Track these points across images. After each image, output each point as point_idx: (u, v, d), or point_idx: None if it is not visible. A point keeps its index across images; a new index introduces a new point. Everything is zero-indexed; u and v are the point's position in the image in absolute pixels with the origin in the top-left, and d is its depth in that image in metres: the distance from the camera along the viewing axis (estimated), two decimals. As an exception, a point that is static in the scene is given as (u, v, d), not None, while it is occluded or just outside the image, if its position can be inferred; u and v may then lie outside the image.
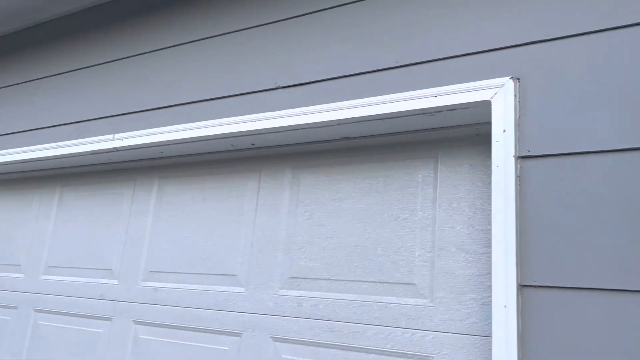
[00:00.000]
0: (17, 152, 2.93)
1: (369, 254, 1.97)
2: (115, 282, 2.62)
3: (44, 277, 2.92)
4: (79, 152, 2.69)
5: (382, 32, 1.97)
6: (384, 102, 1.86)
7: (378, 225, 1.98)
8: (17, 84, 3.08)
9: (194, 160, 2.54)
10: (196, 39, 2.45)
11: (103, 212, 2.81)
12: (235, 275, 2.25)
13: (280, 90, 2.15)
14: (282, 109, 2.10)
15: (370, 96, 1.90)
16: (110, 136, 2.57)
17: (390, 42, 1.94)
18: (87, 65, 2.80)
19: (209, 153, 2.46)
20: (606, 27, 1.58)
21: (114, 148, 2.56)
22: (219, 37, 2.39)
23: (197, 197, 2.50)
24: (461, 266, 1.79)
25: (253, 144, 2.28)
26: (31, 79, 3.03)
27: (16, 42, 3.20)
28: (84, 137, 2.69)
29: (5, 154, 2.99)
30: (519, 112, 1.63)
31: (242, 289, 2.22)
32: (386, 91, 1.88)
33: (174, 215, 2.54)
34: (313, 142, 2.19)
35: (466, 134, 1.89)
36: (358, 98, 1.94)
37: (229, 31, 2.36)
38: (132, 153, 2.59)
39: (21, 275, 3.03)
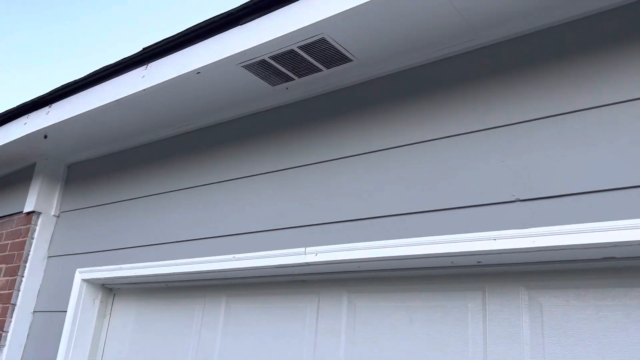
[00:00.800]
0: (188, 264, 2.80)
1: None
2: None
3: (215, 398, 2.71)
4: (261, 266, 2.51)
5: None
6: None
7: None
8: (193, 187, 2.99)
9: (394, 275, 2.30)
10: (401, 144, 2.26)
11: (280, 329, 2.59)
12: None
13: (518, 203, 1.89)
14: (525, 227, 1.84)
15: (654, 214, 1.62)
16: (301, 249, 2.38)
17: None
18: (270, 170, 2.66)
19: (415, 269, 2.21)
20: None
21: (305, 263, 2.36)
22: (426, 143, 2.19)
23: (402, 316, 2.23)
24: None
25: (479, 262, 2.02)
26: (207, 182, 2.93)
27: (193, 142, 3.16)
28: (267, 250, 2.52)
29: (175, 265, 2.86)
30: None
31: None
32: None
33: (373, 337, 2.28)
34: (552, 261, 1.90)
35: None
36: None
37: (439, 137, 2.16)
38: (323, 267, 2.38)
39: (188, 395, 2.83)
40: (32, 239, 3.70)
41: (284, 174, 2.60)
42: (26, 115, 3.40)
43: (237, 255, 2.61)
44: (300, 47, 2.33)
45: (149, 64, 2.71)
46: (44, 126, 3.27)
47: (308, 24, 2.16)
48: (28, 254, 3.65)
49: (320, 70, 2.49)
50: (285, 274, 2.56)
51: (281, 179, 2.60)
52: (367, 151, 2.35)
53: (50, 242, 3.76)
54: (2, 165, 4.01)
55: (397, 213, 2.18)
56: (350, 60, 2.40)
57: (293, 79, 2.59)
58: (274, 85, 2.66)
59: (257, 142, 2.78)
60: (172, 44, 2.60)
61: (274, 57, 2.41)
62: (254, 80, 2.62)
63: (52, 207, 3.81)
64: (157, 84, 2.64)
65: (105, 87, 2.88)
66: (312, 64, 2.44)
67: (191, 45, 2.53)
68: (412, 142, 2.23)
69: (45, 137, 3.47)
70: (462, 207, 2.02)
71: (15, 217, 3.86)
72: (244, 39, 2.35)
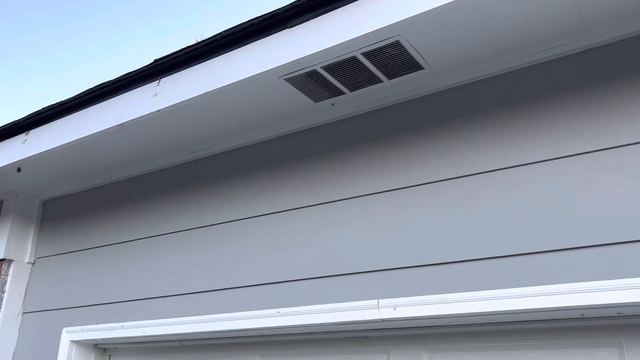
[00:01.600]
0: (215, 321, 2.29)
1: None
2: None
3: None
4: (317, 324, 2.04)
5: None
6: None
7: None
8: (213, 224, 2.49)
9: (494, 329, 1.87)
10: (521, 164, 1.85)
11: (337, 395, 2.12)
12: None
13: None
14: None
15: None
16: (372, 302, 1.92)
17: None
18: (325, 201, 2.19)
19: (528, 322, 1.79)
20: None
21: (378, 319, 1.90)
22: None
23: (508, 382, 1.81)
24: None
25: (619, 313, 1.62)
26: (234, 218, 2.42)
27: (209, 169, 2.65)
28: (321, 302, 2.05)
29: (197, 323, 2.34)
30: None
31: None
32: None
33: (470, 407, 1.84)
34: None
35: None
36: None
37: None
38: (399, 323, 1.93)
39: None
40: (3, 292, 3.08)
41: (345, 205, 2.13)
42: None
43: (282, 310, 2.12)
44: (365, 54, 1.90)
45: (162, 79, 2.21)
46: (19, 159, 2.70)
47: (383, 25, 1.74)
48: (-1, 311, 3.04)
49: (380, 81, 2.06)
50: (344, 330, 2.09)
51: (339, 211, 2.14)
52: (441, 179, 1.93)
53: (24, 295, 3.14)
54: (-39, 204, 3.38)
55: (499, 255, 1.77)
56: (422, 68, 1.98)
57: (343, 93, 2.15)
58: (317, 101, 2.21)
59: (305, 166, 2.31)
60: (193, 53, 2.12)
61: (327, 67, 1.97)
62: (294, 96, 2.17)
63: (26, 253, 3.20)
64: (175, 104, 2.15)
65: (104, 108, 2.36)
66: (372, 73, 2.01)
67: (222, 55, 2.06)
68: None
69: (19, 170, 2.89)
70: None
71: (-20, 266, 3.23)
72: (294, 45, 1.90)
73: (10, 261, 3.13)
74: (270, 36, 1.95)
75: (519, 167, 1.81)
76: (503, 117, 1.90)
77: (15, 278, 3.12)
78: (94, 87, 2.38)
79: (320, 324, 2.03)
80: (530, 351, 1.79)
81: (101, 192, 3.04)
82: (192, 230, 2.57)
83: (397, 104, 2.14)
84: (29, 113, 2.60)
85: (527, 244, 1.72)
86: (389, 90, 2.12)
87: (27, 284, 3.17)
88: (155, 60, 2.21)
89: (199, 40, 2.12)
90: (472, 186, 1.88)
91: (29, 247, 3.21)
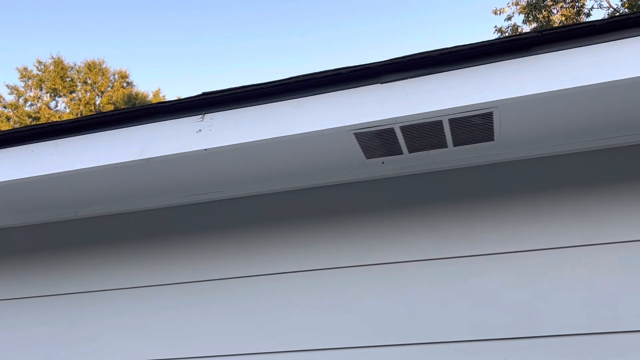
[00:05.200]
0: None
1: None
2: None
3: None
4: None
5: None
6: None
7: None
8: (232, 277, 2.21)
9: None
10: None
11: None
12: None
13: None
14: None
15: None
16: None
17: None
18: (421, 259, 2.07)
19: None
20: None
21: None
22: None
23: None
24: None
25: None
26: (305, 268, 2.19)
27: (248, 209, 2.37)
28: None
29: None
30: None
31: None
32: None
33: None
34: None
35: None
36: None
37: None
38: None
39: None
40: None
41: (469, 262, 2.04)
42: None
43: (324, 380, 1.95)
44: (451, 120, 1.87)
45: (208, 115, 1.97)
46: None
47: (487, 100, 1.73)
48: None
49: (445, 146, 2.04)
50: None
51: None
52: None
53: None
54: None
55: None
56: (492, 140, 2.01)
57: (401, 153, 2.09)
58: (369, 157, 2.12)
59: (341, 222, 2.17)
60: (255, 92, 1.92)
61: (406, 127, 1.91)
62: (350, 149, 2.06)
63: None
64: (227, 145, 1.92)
65: (124, 135, 2.02)
66: (444, 139, 1.99)
67: (293, 99, 1.89)
68: None
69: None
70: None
71: None
72: (383, 102, 1.81)
73: None
74: (355, 88, 1.84)
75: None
76: (563, 195, 1.98)
77: None
78: (114, 111, 2.04)
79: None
80: None
81: (80, 225, 2.56)
82: (192, 283, 2.28)
83: (452, 169, 2.13)
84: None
85: None
86: (447, 156, 2.11)
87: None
88: (204, 93, 1.96)
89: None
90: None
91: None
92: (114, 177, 2.17)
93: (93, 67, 27.84)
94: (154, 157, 1.96)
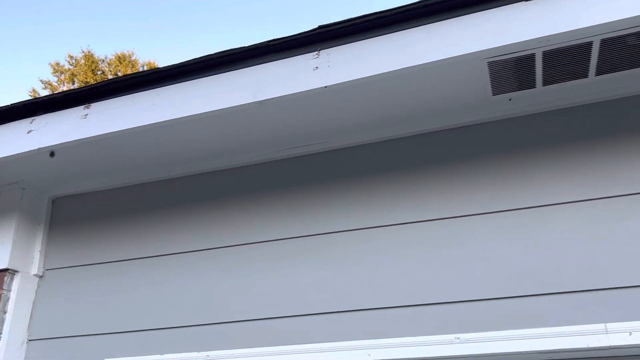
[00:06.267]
0: (367, 348, 1.87)
1: None
2: None
3: None
4: (517, 352, 1.72)
5: None
6: None
7: None
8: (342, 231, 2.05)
9: None
10: None
11: None
12: None
13: None
14: None
15: None
16: (600, 326, 1.66)
17: None
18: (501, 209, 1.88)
19: None
20: None
21: (607, 347, 1.64)
22: None
23: None
24: None
25: None
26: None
27: (314, 167, 2.21)
28: (510, 327, 1.74)
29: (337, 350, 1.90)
30: None
31: None
32: None
33: None
34: None
35: None
36: None
37: None
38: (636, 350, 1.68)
39: None
40: (4, 312, 2.35)
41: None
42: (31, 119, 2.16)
43: (463, 336, 1.78)
44: (604, 41, 1.66)
45: (324, 51, 1.80)
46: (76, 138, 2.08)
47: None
48: (-1, 338, 2.30)
49: (586, 76, 1.83)
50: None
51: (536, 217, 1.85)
52: None
53: (30, 318, 2.43)
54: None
55: None
56: (643, 66, 1.80)
57: (533, 87, 1.89)
58: (496, 93, 1.93)
59: (464, 169, 1.99)
60: (380, 21, 1.74)
61: (549, 52, 1.71)
62: (477, 84, 1.87)
63: (33, 263, 2.49)
64: (349, 81, 1.75)
65: (233, 77, 1.87)
66: (586, 66, 1.78)
67: (422, 26, 1.71)
68: None
69: (52, 154, 2.24)
70: None
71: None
72: (533, 20, 1.62)
73: (14, 272, 2.41)
74: (497, 8, 1.65)
75: None
76: None
77: (20, 294, 2.40)
78: (220, 52, 1.88)
79: (522, 353, 1.72)
80: None
81: (135, 190, 2.45)
82: (264, 243, 2.13)
83: (592, 103, 1.91)
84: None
85: None
86: (586, 88, 1.89)
87: (34, 302, 2.45)
88: (320, 26, 1.79)
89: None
90: None
91: (36, 255, 2.50)
92: (219, 126, 2.02)
93: (123, 60, 28.04)
94: (268, 99, 1.81)
